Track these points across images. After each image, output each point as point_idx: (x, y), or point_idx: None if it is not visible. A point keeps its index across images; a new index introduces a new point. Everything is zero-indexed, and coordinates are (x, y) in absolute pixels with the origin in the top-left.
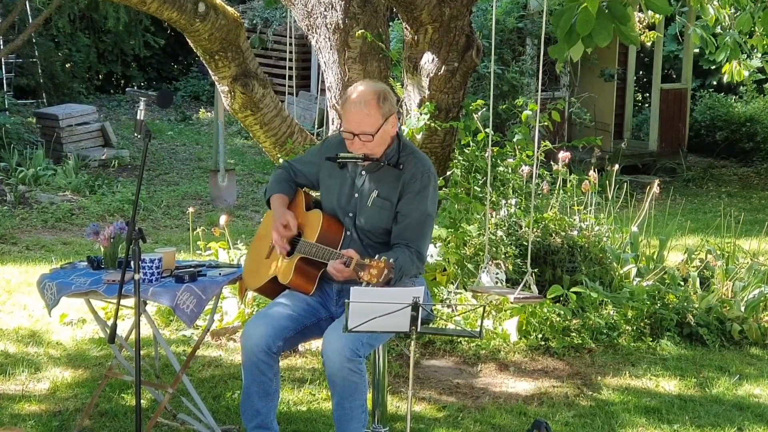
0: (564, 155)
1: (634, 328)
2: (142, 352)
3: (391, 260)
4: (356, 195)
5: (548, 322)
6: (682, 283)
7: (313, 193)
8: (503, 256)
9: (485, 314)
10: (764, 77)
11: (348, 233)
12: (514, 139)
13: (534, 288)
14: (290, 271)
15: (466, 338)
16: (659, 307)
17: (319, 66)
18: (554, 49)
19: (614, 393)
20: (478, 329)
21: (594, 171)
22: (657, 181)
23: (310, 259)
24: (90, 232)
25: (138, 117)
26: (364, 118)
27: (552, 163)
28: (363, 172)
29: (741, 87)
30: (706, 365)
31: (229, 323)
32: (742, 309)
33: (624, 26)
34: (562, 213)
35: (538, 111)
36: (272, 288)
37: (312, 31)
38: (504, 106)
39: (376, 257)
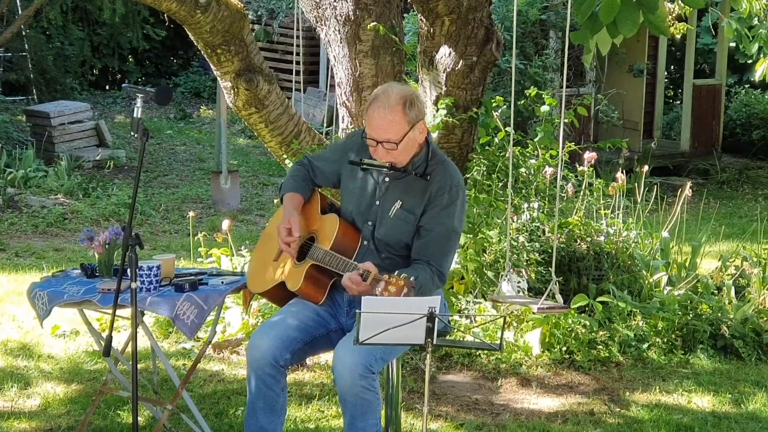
0: (590, 156)
1: (665, 340)
2: (139, 366)
3: (411, 278)
4: (378, 203)
5: (573, 334)
6: (716, 293)
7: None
8: (525, 263)
9: (506, 325)
10: None
11: (365, 243)
12: (536, 139)
13: (558, 297)
14: (300, 278)
15: (486, 351)
16: (692, 318)
17: (328, 60)
18: (576, 34)
19: (643, 410)
20: (498, 342)
21: (622, 172)
22: (689, 183)
23: (322, 268)
24: (83, 238)
25: (135, 115)
26: (388, 125)
27: (577, 164)
28: (387, 179)
29: None
30: (741, 380)
31: (233, 335)
32: None
33: (652, 15)
34: (588, 217)
35: (563, 108)
36: (278, 294)
37: (321, 23)
38: (522, 102)
39: (396, 273)
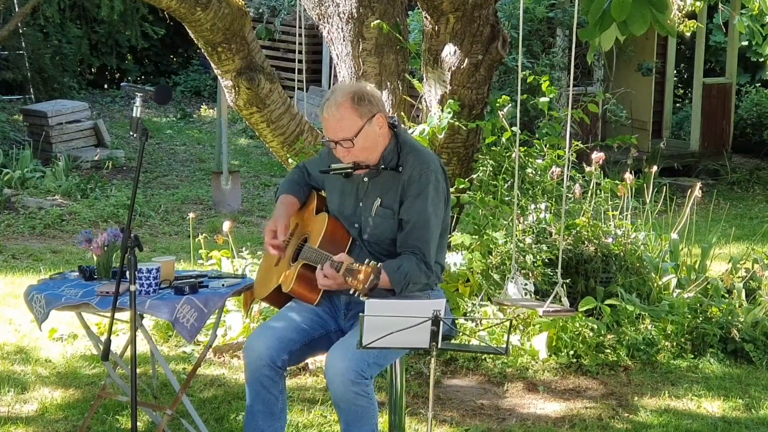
0: (597, 156)
1: (674, 344)
2: (138, 371)
3: (379, 265)
4: (361, 204)
5: (580, 338)
6: (727, 295)
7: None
8: (532, 265)
9: (512, 329)
10: None
11: (357, 243)
12: (543, 138)
13: (565, 300)
14: (292, 280)
15: (491, 355)
16: (701, 321)
17: (331, 59)
18: (584, 31)
19: (652, 415)
20: (504, 345)
21: (630, 173)
22: (699, 184)
23: (314, 267)
24: (82, 240)
25: (134, 114)
26: (338, 123)
27: (584, 165)
28: (366, 179)
29: None
30: (752, 384)
31: (233, 339)
32: None
33: (661, 14)
34: (596, 219)
35: (570, 107)
36: (278, 297)
37: (323, 20)
38: (525, 96)
39: (366, 261)
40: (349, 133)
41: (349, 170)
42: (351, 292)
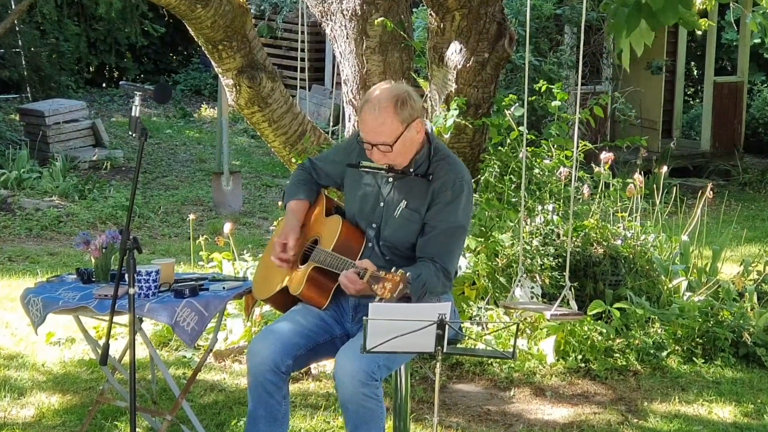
0: (606, 156)
1: (685, 348)
2: (137, 375)
3: (408, 274)
4: (382, 204)
5: (589, 342)
6: (738, 299)
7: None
8: (539, 268)
9: (519, 333)
10: None
11: (369, 245)
12: (551, 139)
13: (573, 304)
14: (302, 282)
15: (498, 360)
16: (712, 325)
17: (334, 57)
18: (614, 25)
19: (662, 420)
20: (510, 350)
21: (640, 173)
22: (710, 185)
23: (325, 270)
24: (79, 242)
25: (133, 113)
26: (379, 127)
27: (593, 165)
28: (390, 179)
29: None
30: (764, 389)
31: (234, 343)
32: None
33: (687, 10)
34: (605, 220)
35: (578, 106)
36: (283, 300)
37: (326, 18)
38: (533, 98)
39: (393, 270)
40: (389, 139)
41: (383, 171)
42: (377, 300)
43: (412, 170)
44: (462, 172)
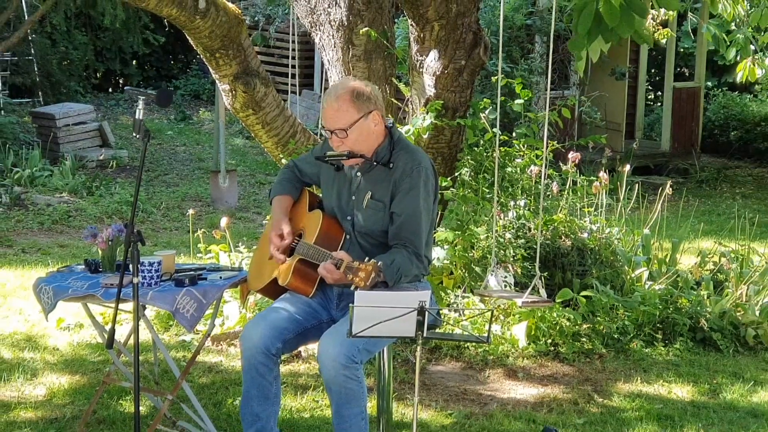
0: (574, 155)
1: (646, 332)
2: (140, 358)
3: (379, 263)
4: (353, 197)
5: (557, 327)
6: (695, 287)
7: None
8: (511, 258)
9: (493, 319)
10: None
11: (348, 237)
12: (522, 139)
13: (543, 292)
14: (288, 273)
15: (474, 343)
16: (672, 312)
17: (322, 64)
18: (574, 42)
19: (625, 399)
20: (485, 334)
21: (605, 172)
22: (669, 182)
23: (309, 261)
24: (87, 235)
25: (136, 116)
26: (335, 113)
27: (561, 164)
28: (358, 173)
29: (756, 86)
30: (719, 371)
31: (230, 328)
32: (757, 313)
33: (641, 20)
34: (572, 215)
35: (548, 109)
36: (274, 290)
37: (315, 28)
38: (503, 98)
39: (366, 260)
40: (344, 125)
41: (344, 157)
42: (352, 288)
43: (375, 160)
44: (420, 159)
